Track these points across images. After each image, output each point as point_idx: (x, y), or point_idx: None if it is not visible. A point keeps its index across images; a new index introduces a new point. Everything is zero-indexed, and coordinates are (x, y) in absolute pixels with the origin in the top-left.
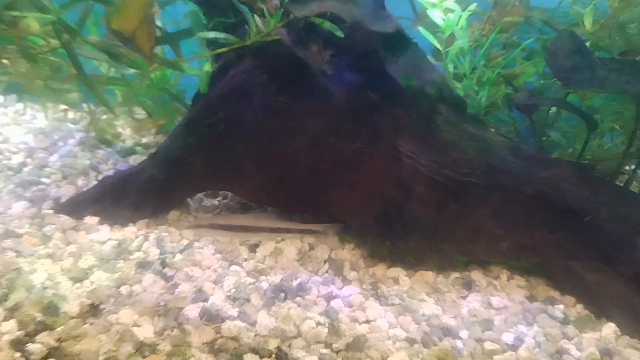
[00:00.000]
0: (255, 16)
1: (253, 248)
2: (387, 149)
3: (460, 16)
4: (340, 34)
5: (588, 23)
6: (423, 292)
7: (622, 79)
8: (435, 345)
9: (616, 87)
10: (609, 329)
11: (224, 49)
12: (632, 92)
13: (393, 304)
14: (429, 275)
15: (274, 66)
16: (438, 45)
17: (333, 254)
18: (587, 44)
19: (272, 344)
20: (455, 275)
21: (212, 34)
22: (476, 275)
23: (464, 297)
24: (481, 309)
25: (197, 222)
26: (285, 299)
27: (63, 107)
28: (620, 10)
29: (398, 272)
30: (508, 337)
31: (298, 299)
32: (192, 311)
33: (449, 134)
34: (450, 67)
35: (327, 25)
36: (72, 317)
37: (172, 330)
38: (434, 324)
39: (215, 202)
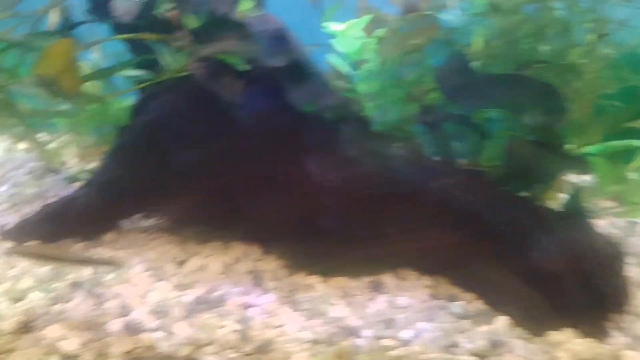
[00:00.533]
0: (169, 53)
1: (181, 264)
2: (296, 168)
3: (365, 42)
4: (242, 67)
5: (478, 43)
6: (335, 296)
7: (501, 93)
8: (336, 344)
9: (495, 102)
10: (502, 321)
11: (145, 84)
12: (507, 105)
13: (305, 309)
14: (343, 280)
15: (189, 98)
16: (346, 71)
17: (256, 266)
18: (479, 62)
19: (185, 351)
20: (366, 279)
21: (132, 72)
22: (386, 278)
23: (372, 299)
24: (387, 309)
25: (22, 249)
26: (204, 310)
27: (14, 139)
28: (509, 31)
29: (314, 279)
30: (406, 334)
31: (217, 309)
32: (116, 325)
33: (352, 151)
34: (363, 88)
35: (230, 60)
36: (7, 334)
37: (95, 343)
38: (340, 325)
39: (151, 222)
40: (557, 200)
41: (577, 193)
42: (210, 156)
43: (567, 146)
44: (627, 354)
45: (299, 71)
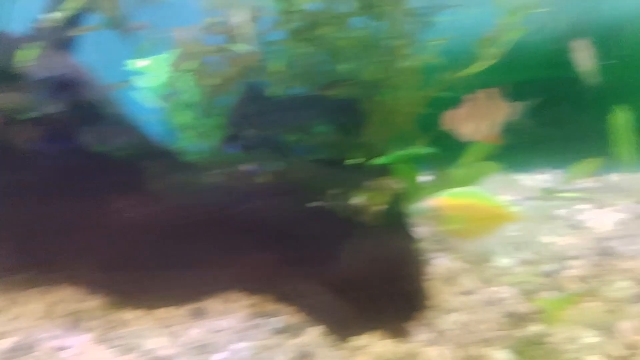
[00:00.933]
0: None
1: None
2: (98, 206)
3: (173, 76)
4: (25, 116)
5: (277, 68)
6: (155, 327)
7: (296, 115)
8: None
9: (290, 124)
10: (314, 332)
11: None
12: (302, 126)
13: (119, 345)
14: (166, 311)
15: None
16: (156, 105)
17: (78, 307)
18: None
19: None
20: (190, 306)
21: None
22: (209, 302)
23: (193, 326)
24: (205, 334)
25: None
26: (19, 356)
27: None
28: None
29: (138, 313)
30: (220, 356)
31: (31, 354)
32: None
33: (159, 184)
34: (179, 119)
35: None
36: None
37: None
38: (153, 357)
39: None
40: (371, 209)
41: (396, 200)
42: (14, 204)
43: (355, 159)
44: (425, 351)
45: (92, 112)
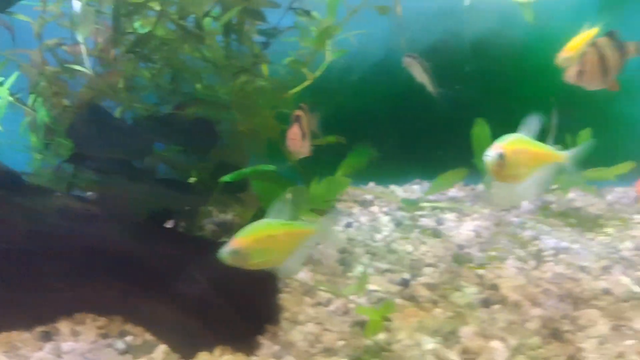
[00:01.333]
0: None
1: None
2: None
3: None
4: None
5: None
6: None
7: (138, 137)
8: None
9: (124, 146)
10: (161, 350)
11: None
12: (136, 147)
13: None
14: (14, 335)
15: None
16: None
17: None
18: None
19: None
20: (40, 329)
21: None
22: (61, 325)
23: (40, 349)
24: (51, 357)
25: None
26: None
27: None
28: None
29: None
30: None
31: None
32: None
33: None
34: (30, 140)
35: None
36: None
37: None
38: None
39: None
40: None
41: (257, 216)
42: None
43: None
44: None
45: None
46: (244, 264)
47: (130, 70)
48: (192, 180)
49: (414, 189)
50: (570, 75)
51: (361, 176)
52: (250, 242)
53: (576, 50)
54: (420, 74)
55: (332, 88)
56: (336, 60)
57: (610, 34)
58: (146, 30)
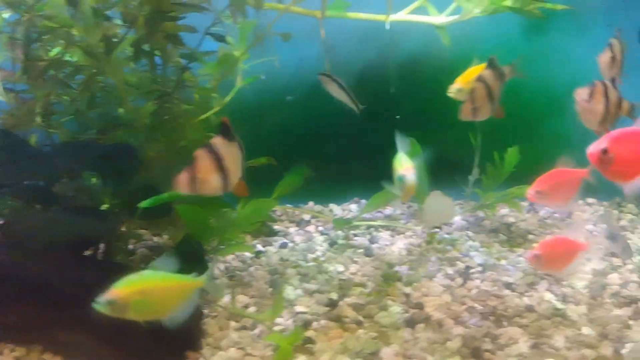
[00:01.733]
0: None
1: None
2: None
3: None
4: None
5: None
6: None
7: (50, 163)
8: None
9: (36, 174)
10: None
11: None
12: (48, 174)
13: None
14: None
15: None
16: None
17: None
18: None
19: None
20: None
21: None
22: None
23: None
24: None
25: None
26: None
27: None
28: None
29: None
30: None
31: None
32: None
33: None
34: None
35: None
36: None
37: None
38: None
39: None
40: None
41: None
42: None
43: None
44: None
45: None
46: (121, 315)
47: (44, 96)
48: (104, 207)
49: (352, 208)
50: (465, 114)
51: (300, 196)
52: (127, 293)
53: (466, 84)
54: (337, 92)
55: (266, 110)
56: (270, 83)
57: (490, 63)
58: (55, 55)
